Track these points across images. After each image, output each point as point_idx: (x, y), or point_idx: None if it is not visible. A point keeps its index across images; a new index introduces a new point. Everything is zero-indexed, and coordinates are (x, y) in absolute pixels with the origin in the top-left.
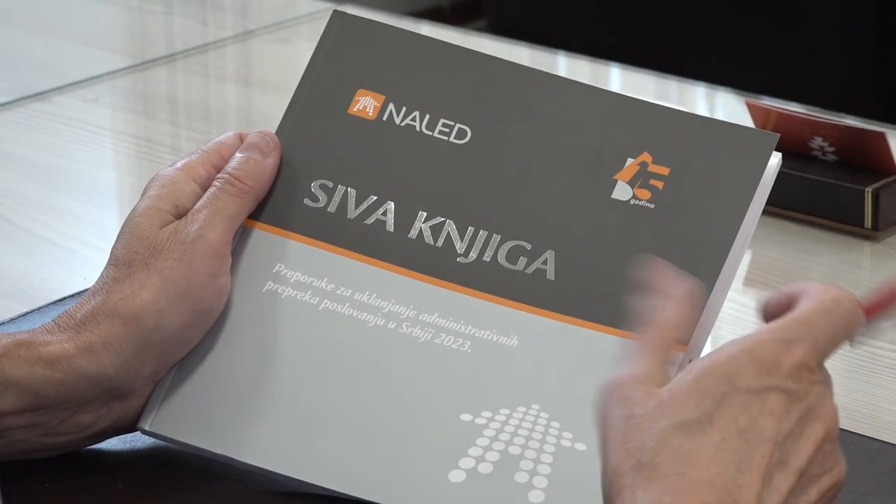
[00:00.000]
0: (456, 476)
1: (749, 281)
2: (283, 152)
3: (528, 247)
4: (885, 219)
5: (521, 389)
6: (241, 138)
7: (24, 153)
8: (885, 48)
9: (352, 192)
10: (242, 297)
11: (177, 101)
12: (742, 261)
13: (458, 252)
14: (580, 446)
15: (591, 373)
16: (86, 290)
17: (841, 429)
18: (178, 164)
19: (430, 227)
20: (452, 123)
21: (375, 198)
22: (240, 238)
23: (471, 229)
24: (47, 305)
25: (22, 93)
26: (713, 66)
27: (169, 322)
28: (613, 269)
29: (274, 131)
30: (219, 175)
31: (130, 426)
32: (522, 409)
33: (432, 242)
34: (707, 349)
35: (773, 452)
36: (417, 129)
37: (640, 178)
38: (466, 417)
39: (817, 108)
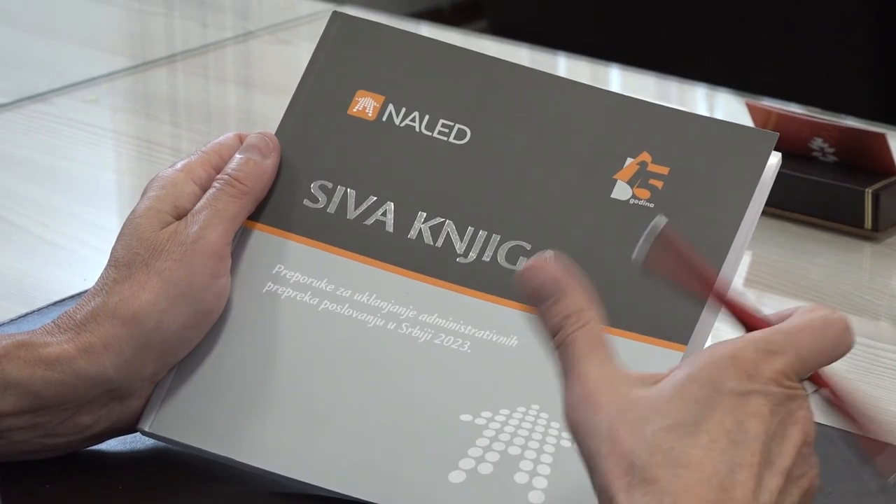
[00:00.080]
0: (456, 477)
1: (749, 282)
2: (283, 153)
3: (528, 247)
4: (885, 219)
5: (521, 390)
6: (240, 139)
7: (24, 154)
8: (886, 49)
9: (351, 192)
10: (242, 298)
11: (177, 102)
12: (742, 261)
13: (458, 252)
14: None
15: None
16: (86, 291)
17: (841, 429)
18: (178, 166)
19: (430, 227)
20: (452, 124)
21: (375, 198)
22: (239, 239)
23: (470, 229)
24: (47, 306)
25: (22, 94)
26: (713, 66)
27: (169, 323)
28: (613, 270)
29: (274, 132)
30: (218, 176)
31: (130, 427)
32: (522, 409)
33: (432, 243)
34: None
35: (760, 452)
36: (417, 129)
37: (640, 178)
38: (466, 418)
39: (817, 109)
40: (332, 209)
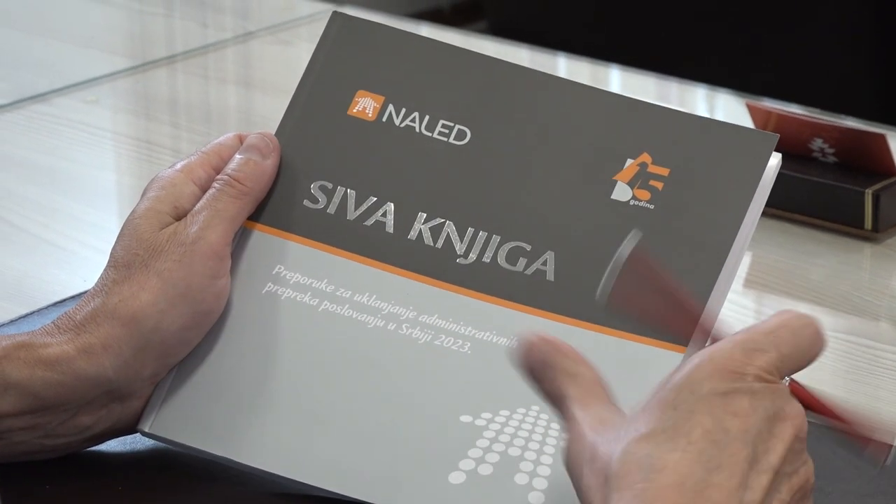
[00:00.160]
0: (456, 477)
1: (749, 282)
2: (283, 153)
3: (528, 248)
4: (885, 220)
5: (521, 391)
6: (240, 140)
7: (24, 155)
8: (886, 49)
9: (351, 193)
10: (242, 299)
11: (177, 103)
12: (742, 262)
13: (458, 253)
14: None
15: None
16: (85, 291)
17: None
18: (178, 166)
19: (430, 228)
20: (452, 124)
21: (375, 199)
22: (239, 239)
23: (470, 230)
24: (47, 307)
25: (22, 94)
26: (713, 67)
27: (168, 324)
28: None
29: (274, 132)
30: (218, 176)
31: (130, 428)
32: (522, 410)
33: (432, 243)
34: None
35: (741, 451)
36: (417, 130)
37: (640, 179)
38: (466, 419)
39: (817, 110)
40: (332, 210)
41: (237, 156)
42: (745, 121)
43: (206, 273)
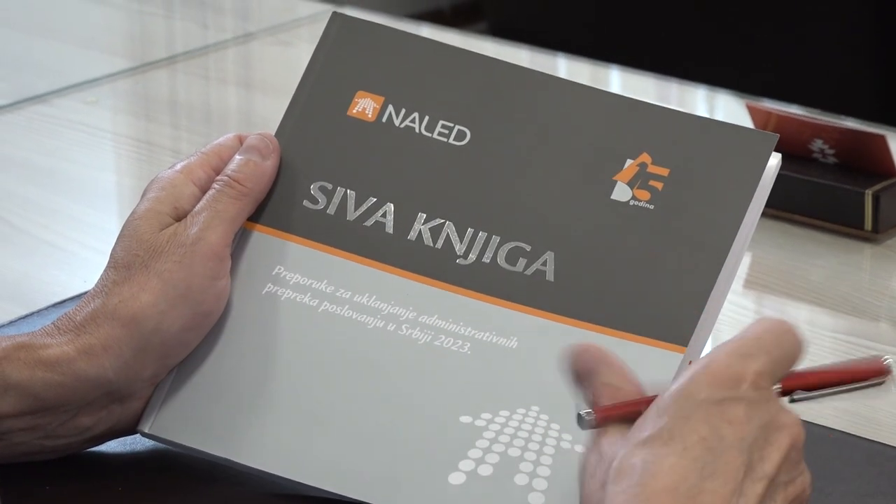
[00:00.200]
0: (456, 478)
1: (749, 283)
2: (283, 154)
3: (528, 248)
4: (885, 221)
5: (521, 391)
6: (240, 140)
7: (24, 156)
8: (886, 50)
9: (351, 193)
10: (242, 300)
11: (177, 104)
12: (742, 263)
13: (458, 253)
14: (580, 448)
15: None
16: (85, 292)
17: (841, 431)
18: (178, 167)
19: (430, 228)
20: (452, 125)
21: (375, 199)
22: (239, 240)
23: (470, 231)
24: (47, 308)
25: (22, 95)
26: (713, 67)
27: (168, 324)
28: (613, 271)
29: (273, 133)
30: (218, 177)
31: (130, 429)
32: (522, 410)
33: (432, 244)
34: (707, 351)
35: (737, 459)
36: (417, 130)
37: (640, 179)
38: (466, 419)
39: (817, 111)
40: (331, 210)
41: (237, 156)
42: (745, 121)
43: (207, 274)
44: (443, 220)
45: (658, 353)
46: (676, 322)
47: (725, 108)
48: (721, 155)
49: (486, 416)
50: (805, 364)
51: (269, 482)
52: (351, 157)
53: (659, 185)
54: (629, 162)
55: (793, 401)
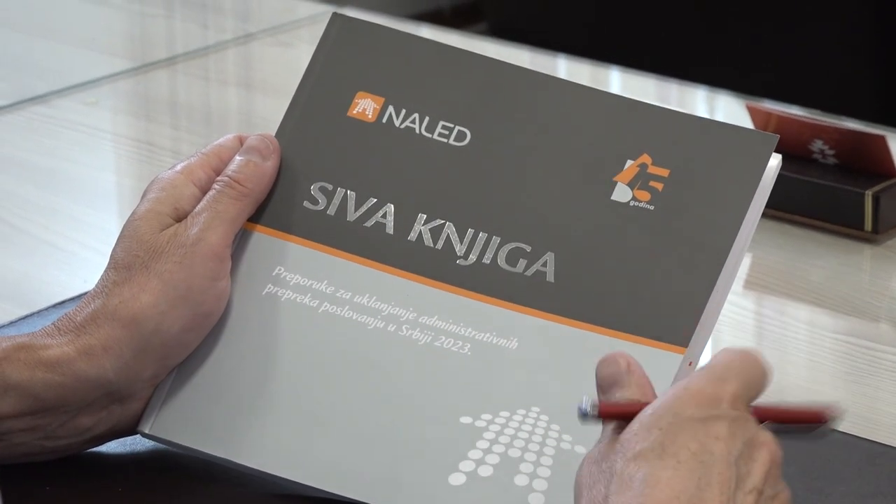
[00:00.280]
0: (456, 479)
1: (749, 284)
2: (283, 155)
3: (528, 249)
4: (885, 222)
5: (521, 392)
6: (240, 141)
7: (24, 156)
8: (886, 51)
9: (351, 194)
10: (242, 300)
11: (177, 105)
12: (742, 263)
13: (458, 254)
14: (580, 449)
15: (592, 375)
16: (86, 293)
17: (841, 431)
18: (178, 167)
19: (430, 229)
20: (452, 125)
21: (375, 200)
22: (239, 241)
23: (470, 231)
24: (47, 308)
25: (22, 96)
26: (713, 68)
27: (169, 325)
28: (613, 272)
29: (274, 134)
30: (218, 178)
31: (130, 429)
32: (522, 411)
33: (432, 245)
34: (707, 351)
35: (727, 472)
36: (417, 131)
37: (640, 180)
38: (466, 420)
39: (818, 111)
40: (332, 211)
41: (237, 157)
42: (746, 122)
43: (207, 275)
44: (443, 221)
45: (658, 354)
46: (676, 323)
47: (725, 108)
48: (721, 156)
49: (487, 416)
50: (805, 364)
51: (269, 483)
52: (351, 157)
53: (659, 186)
54: (629, 163)
55: None
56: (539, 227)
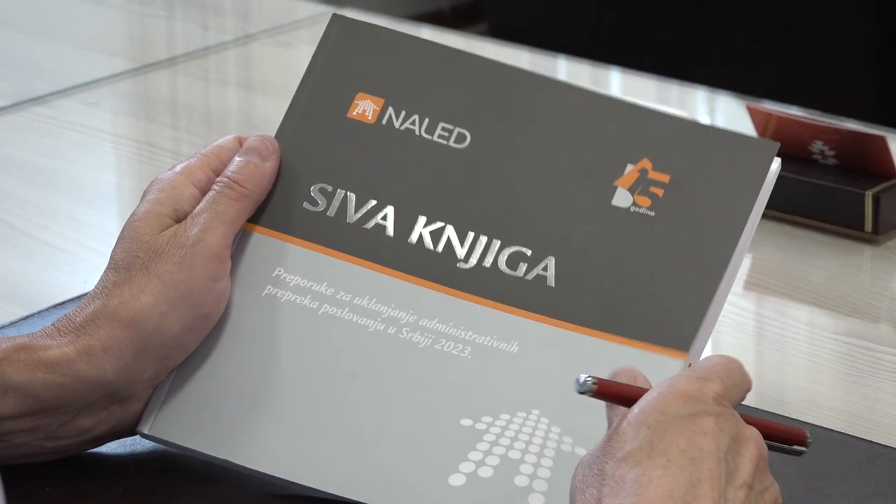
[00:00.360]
0: (456, 480)
1: (749, 285)
2: (283, 156)
3: (529, 253)
4: (885, 222)
5: (522, 394)
6: (240, 142)
7: (24, 157)
8: (886, 51)
9: (351, 196)
10: (242, 301)
11: (177, 105)
12: (742, 264)
13: (459, 257)
14: (580, 450)
15: None
16: (86, 293)
17: (840, 432)
18: (178, 168)
19: (430, 231)
20: (452, 127)
21: (375, 202)
22: (239, 242)
23: (471, 234)
24: (47, 309)
25: (22, 96)
26: (713, 69)
27: (169, 326)
28: (614, 277)
29: (274, 135)
30: (218, 179)
31: (130, 430)
32: (522, 413)
33: (432, 247)
34: (707, 352)
35: (717, 467)
36: (417, 132)
37: (641, 185)
38: (466, 422)
39: (818, 112)
40: (331, 212)
41: (237, 158)
42: (746, 123)
43: (207, 275)
44: (443, 224)
45: (659, 359)
46: (678, 328)
47: (725, 109)
48: (722, 163)
49: (487, 419)
50: (805, 365)
51: (268, 484)
52: (351, 159)
53: (660, 192)
54: (630, 167)
55: None
56: (540, 231)
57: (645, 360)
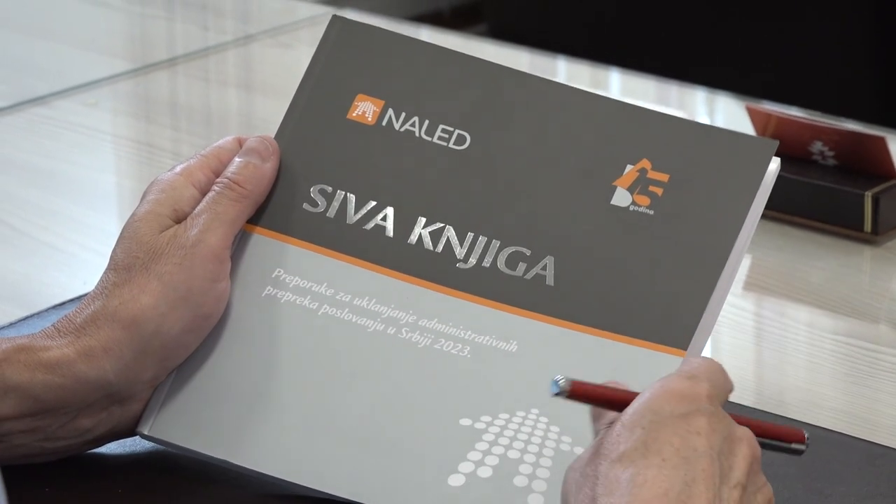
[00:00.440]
0: (455, 480)
1: (749, 285)
2: (283, 157)
3: (528, 252)
4: (884, 223)
5: (521, 394)
6: (240, 143)
7: (24, 158)
8: (886, 52)
9: (351, 197)
10: (242, 302)
11: (177, 106)
12: (742, 265)
13: (458, 257)
14: (579, 450)
15: (590, 378)
16: (85, 294)
17: (840, 433)
18: (178, 169)
19: (430, 232)
20: (451, 129)
21: (374, 203)
22: (239, 243)
23: (470, 235)
24: (47, 310)
25: (22, 97)
26: (713, 69)
27: (169, 327)
28: (613, 276)
29: (273, 136)
30: (218, 179)
31: (130, 430)
32: (522, 413)
33: (432, 248)
34: (707, 353)
35: (711, 466)
36: (416, 134)
37: (640, 185)
38: (466, 422)
39: (817, 113)
40: (331, 213)
41: (237, 159)
42: (745, 124)
43: (207, 276)
44: (443, 224)
45: (658, 357)
46: (676, 326)
47: (725, 109)
48: (721, 162)
49: (486, 418)
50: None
51: (268, 484)
52: (351, 160)
53: (659, 191)
54: (629, 167)
55: None
56: (539, 231)
57: (643, 358)
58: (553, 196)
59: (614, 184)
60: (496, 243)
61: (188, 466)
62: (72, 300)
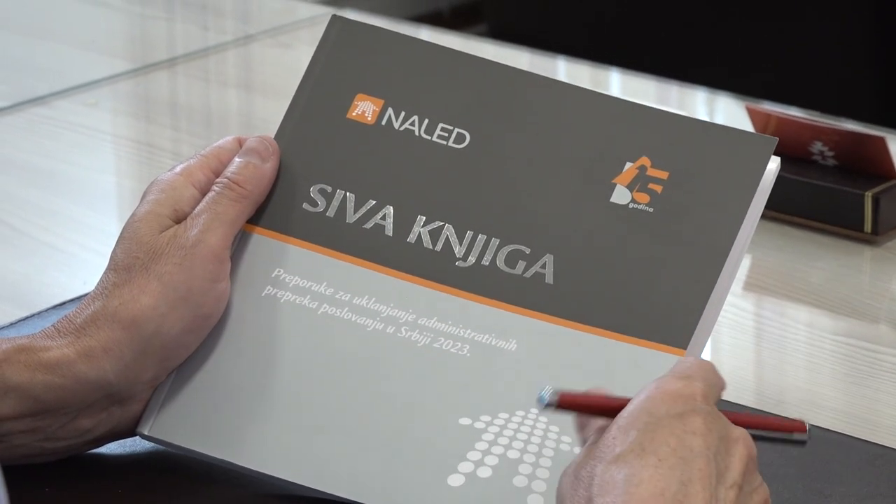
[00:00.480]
0: (455, 480)
1: (749, 285)
2: (282, 157)
3: (527, 251)
4: (884, 223)
5: (520, 393)
6: (239, 143)
7: (24, 158)
8: (886, 52)
9: (351, 196)
10: (242, 302)
11: (177, 106)
12: (742, 265)
13: (457, 256)
14: (579, 450)
15: (590, 376)
16: (85, 294)
17: (840, 433)
18: (177, 169)
19: (429, 231)
20: (451, 128)
21: (374, 202)
22: (239, 243)
23: (469, 233)
24: (47, 310)
25: (22, 97)
26: (713, 70)
27: (169, 327)
28: (612, 274)
29: (273, 136)
30: (217, 180)
31: (130, 431)
32: (521, 412)
33: (431, 247)
34: (706, 353)
35: (707, 466)
36: (416, 133)
37: (639, 182)
38: (465, 421)
39: (817, 113)
40: (331, 213)
41: (237, 159)
42: (745, 124)
43: (207, 276)
44: (442, 223)
45: (657, 356)
46: (676, 325)
47: (725, 109)
48: (720, 158)
49: (486, 418)
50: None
51: (268, 484)
52: (350, 159)
53: (658, 189)
54: (628, 165)
55: None
56: (538, 230)
57: (643, 357)
58: (552, 194)
59: (614, 181)
60: (495, 242)
61: (188, 466)
62: (72, 300)
